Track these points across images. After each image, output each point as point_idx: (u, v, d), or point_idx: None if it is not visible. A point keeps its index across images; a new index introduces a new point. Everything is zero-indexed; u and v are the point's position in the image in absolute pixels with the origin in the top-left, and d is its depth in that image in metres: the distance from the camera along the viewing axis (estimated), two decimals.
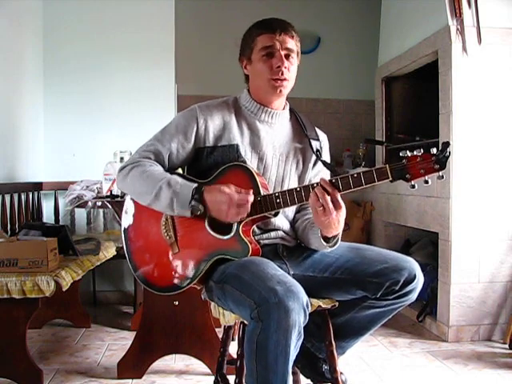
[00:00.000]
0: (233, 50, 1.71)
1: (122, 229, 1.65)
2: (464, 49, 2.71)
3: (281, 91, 1.58)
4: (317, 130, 1.74)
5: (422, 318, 3.05)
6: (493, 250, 2.78)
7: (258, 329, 1.28)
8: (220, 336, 1.83)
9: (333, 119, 4.40)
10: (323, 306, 1.54)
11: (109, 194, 2.75)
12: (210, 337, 2.25)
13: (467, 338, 2.78)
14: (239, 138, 1.59)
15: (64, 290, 1.98)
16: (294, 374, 1.72)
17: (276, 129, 1.65)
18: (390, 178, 1.36)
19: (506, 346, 2.67)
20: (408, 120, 3.57)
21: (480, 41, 2.71)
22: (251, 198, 1.44)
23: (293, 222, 1.68)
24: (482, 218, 2.76)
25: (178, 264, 1.54)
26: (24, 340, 2.01)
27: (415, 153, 1.33)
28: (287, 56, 1.57)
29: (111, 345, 2.69)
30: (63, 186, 3.22)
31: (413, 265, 1.51)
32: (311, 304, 1.49)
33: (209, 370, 2.25)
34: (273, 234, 1.61)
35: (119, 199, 2.61)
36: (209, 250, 1.50)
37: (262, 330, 1.27)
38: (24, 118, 3.22)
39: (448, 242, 2.77)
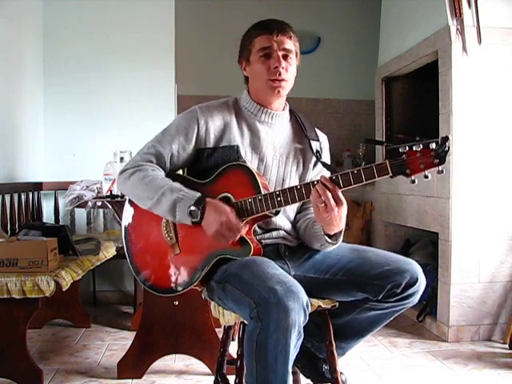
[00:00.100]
0: (233, 50, 1.71)
1: (123, 230, 1.65)
2: (464, 49, 2.71)
3: (279, 92, 1.58)
4: (317, 130, 1.74)
5: (422, 318, 3.05)
6: (493, 250, 2.78)
7: (257, 328, 1.28)
8: (220, 336, 1.83)
9: (333, 119, 4.40)
10: (323, 306, 1.54)
11: (109, 193, 2.75)
12: (209, 337, 2.25)
13: (467, 337, 2.78)
14: (239, 139, 1.59)
15: (64, 289, 1.98)
16: (293, 373, 1.72)
17: (276, 130, 1.65)
18: (390, 174, 1.36)
19: (506, 345, 2.68)
20: (408, 120, 3.57)
21: (480, 41, 2.71)
22: (243, 231, 1.45)
23: (294, 222, 1.68)
24: (481, 218, 2.76)
25: (179, 265, 1.54)
26: (24, 340, 2.01)
27: (415, 148, 1.33)
28: (285, 56, 1.57)
29: (111, 345, 2.69)
30: (63, 186, 3.22)
31: (415, 267, 1.51)
32: (311, 304, 1.49)
33: (209, 370, 2.25)
34: (274, 233, 1.61)
35: (119, 199, 2.61)
36: (210, 251, 1.50)
37: (261, 330, 1.27)
38: (24, 118, 3.22)
39: (448, 242, 2.77)
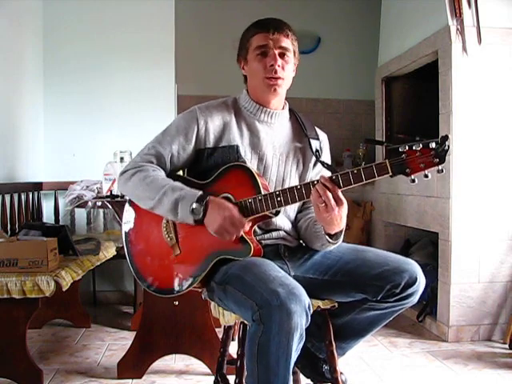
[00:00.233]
0: (232, 50, 1.71)
1: (123, 232, 1.65)
2: (464, 49, 2.71)
3: (275, 90, 1.58)
4: (317, 129, 1.74)
5: (422, 318, 3.05)
6: (493, 250, 2.78)
7: (259, 331, 1.27)
8: (220, 336, 1.83)
9: (333, 119, 4.40)
10: (322, 307, 1.54)
11: (109, 193, 2.74)
12: (209, 337, 2.25)
13: (467, 337, 2.78)
14: (239, 138, 1.59)
15: (64, 289, 1.98)
16: (294, 373, 1.71)
17: (276, 129, 1.65)
18: (390, 173, 1.35)
19: (506, 345, 2.68)
20: (408, 120, 3.57)
21: (480, 41, 2.71)
22: (247, 227, 1.45)
23: (295, 222, 1.68)
24: (482, 218, 2.76)
25: (179, 266, 1.54)
26: (24, 340, 2.01)
27: (414, 147, 1.33)
28: (282, 55, 1.57)
29: (111, 345, 2.69)
30: (63, 186, 3.22)
31: (414, 267, 1.50)
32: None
33: (209, 370, 2.25)
34: (274, 234, 1.61)
35: (119, 199, 2.61)
36: (210, 251, 1.49)
37: (263, 333, 1.27)
38: (24, 118, 3.22)
39: (448, 242, 2.77)
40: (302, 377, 1.79)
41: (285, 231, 1.63)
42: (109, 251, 2.68)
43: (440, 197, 2.84)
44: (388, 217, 3.58)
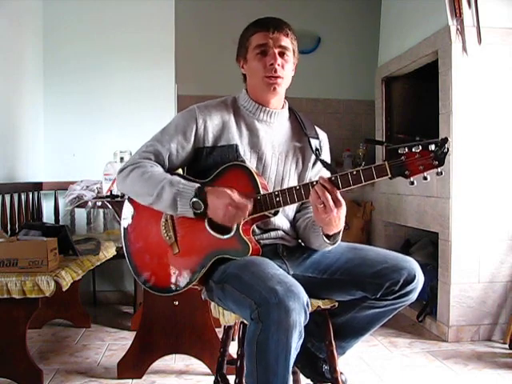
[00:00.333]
0: (232, 50, 1.71)
1: (122, 230, 1.65)
2: (464, 49, 2.71)
3: (275, 89, 1.58)
4: (316, 128, 1.74)
5: (422, 318, 3.05)
6: (493, 250, 2.78)
7: (258, 329, 1.27)
8: (220, 336, 1.83)
9: (333, 119, 4.40)
10: (322, 307, 1.54)
11: (109, 193, 2.75)
12: (209, 337, 2.25)
13: (467, 338, 2.78)
14: (238, 138, 1.59)
15: (64, 289, 1.98)
16: (293, 373, 1.72)
17: (275, 128, 1.65)
18: (389, 175, 1.36)
19: (506, 345, 2.67)
20: (408, 120, 3.57)
21: (480, 41, 2.71)
22: (250, 206, 1.44)
23: (293, 222, 1.68)
24: (482, 218, 2.76)
25: (178, 264, 1.54)
26: (24, 340, 2.01)
27: (414, 149, 1.33)
28: (281, 54, 1.57)
29: (111, 345, 2.69)
30: (63, 186, 3.22)
31: (412, 264, 1.51)
32: (311, 304, 1.49)
33: (209, 370, 2.25)
34: (273, 233, 1.61)
35: (119, 199, 2.61)
36: (209, 250, 1.50)
37: (262, 331, 1.27)
38: (24, 118, 3.22)
39: (448, 242, 2.77)
40: (301, 377, 1.79)
41: (283, 231, 1.63)
42: (109, 251, 2.68)
43: (440, 197, 2.84)
44: (388, 217, 3.58)
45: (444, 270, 2.83)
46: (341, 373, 1.63)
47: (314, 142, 1.67)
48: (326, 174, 1.64)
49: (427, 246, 3.44)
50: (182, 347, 2.26)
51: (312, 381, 1.75)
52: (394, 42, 3.45)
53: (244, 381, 1.45)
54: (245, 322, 1.43)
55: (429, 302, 3.04)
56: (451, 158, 2.69)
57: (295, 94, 1.73)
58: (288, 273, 1.55)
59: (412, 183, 1.36)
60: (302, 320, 1.28)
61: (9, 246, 2.02)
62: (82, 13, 3.47)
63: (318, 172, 1.69)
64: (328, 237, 1.51)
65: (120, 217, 1.70)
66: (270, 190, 1.54)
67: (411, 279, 1.48)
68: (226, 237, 1.48)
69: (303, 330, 1.30)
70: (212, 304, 1.61)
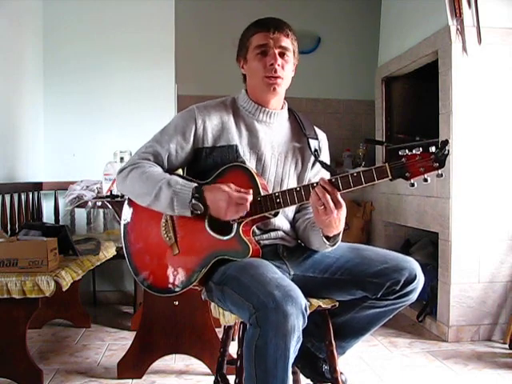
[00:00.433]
0: (232, 50, 1.71)
1: (122, 231, 1.65)
2: (464, 49, 2.71)
3: (275, 89, 1.58)
4: (316, 129, 1.74)
5: (422, 318, 3.05)
6: (493, 250, 2.78)
7: (256, 334, 1.27)
8: (220, 336, 1.83)
9: (333, 119, 4.40)
10: (323, 306, 1.54)
11: (109, 193, 2.75)
12: (209, 337, 2.25)
13: (467, 338, 2.78)
14: (237, 138, 1.59)
15: (64, 289, 1.98)
16: (293, 373, 1.72)
17: (274, 129, 1.65)
18: (390, 177, 1.36)
19: (506, 345, 2.68)
20: (408, 120, 3.57)
21: (480, 41, 2.71)
22: (250, 198, 1.44)
23: (293, 222, 1.68)
24: (482, 218, 2.76)
25: (178, 265, 1.54)
26: (24, 340, 2.01)
27: (414, 151, 1.33)
28: (281, 54, 1.57)
29: (111, 345, 2.69)
30: (63, 186, 3.22)
31: (413, 265, 1.51)
32: (311, 304, 1.50)
33: (209, 370, 2.25)
34: (273, 234, 1.61)
35: (119, 199, 2.61)
36: (209, 251, 1.50)
37: (260, 336, 1.26)
38: (24, 118, 3.22)
39: (448, 242, 2.77)
40: (301, 377, 1.79)
41: (283, 231, 1.63)
42: (109, 251, 2.68)
43: (440, 197, 2.84)
44: (388, 217, 3.58)
45: (444, 270, 2.83)
46: (341, 373, 1.63)
47: (314, 143, 1.67)
48: (326, 174, 1.64)
49: (427, 246, 3.44)
50: (182, 347, 2.26)
51: (312, 381, 1.75)
52: (394, 42, 3.45)
53: (244, 382, 1.45)
54: (245, 322, 1.43)
55: (429, 302, 3.04)
56: (451, 158, 2.69)
57: (295, 94, 1.73)
58: (288, 273, 1.56)
59: (412, 185, 1.36)
60: (300, 324, 1.27)
61: (9, 246, 2.02)
62: (82, 13, 3.47)
63: (317, 172, 1.69)
64: (328, 238, 1.51)
65: (120, 217, 1.70)
66: (270, 191, 1.54)
67: (412, 279, 1.48)
68: (226, 238, 1.48)
69: (301, 334, 1.30)
70: (212, 304, 1.61)
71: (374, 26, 3.83)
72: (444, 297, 2.83)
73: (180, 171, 1.67)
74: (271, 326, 1.24)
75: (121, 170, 1.59)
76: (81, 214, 3.44)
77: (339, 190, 1.39)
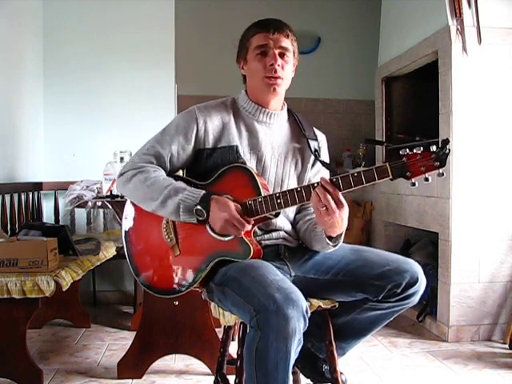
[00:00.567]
0: (232, 50, 1.71)
1: (123, 232, 1.65)
2: (464, 49, 2.71)
3: (275, 89, 1.58)
4: (315, 130, 1.74)
5: (422, 318, 3.05)
6: (493, 250, 2.78)
7: (257, 337, 1.27)
8: (220, 336, 1.83)
9: (333, 119, 4.40)
10: (323, 307, 1.54)
11: (109, 193, 2.75)
12: (209, 337, 2.25)
13: (467, 338, 2.78)
14: (238, 139, 1.59)
15: (64, 289, 1.98)
16: (293, 373, 1.72)
17: (274, 129, 1.65)
18: (391, 176, 1.35)
19: (506, 345, 2.68)
20: (408, 120, 3.57)
21: (480, 41, 2.71)
22: (248, 228, 1.44)
23: (294, 223, 1.68)
24: (482, 218, 2.76)
25: (179, 266, 1.54)
26: (24, 340, 2.01)
27: (415, 151, 1.33)
28: (281, 54, 1.57)
29: (111, 345, 2.69)
30: (63, 186, 3.22)
31: (415, 267, 1.50)
32: (311, 304, 1.50)
33: (209, 370, 2.25)
34: (274, 234, 1.60)
35: (119, 199, 2.61)
36: (210, 252, 1.49)
37: (261, 339, 1.26)
38: (24, 118, 3.22)
39: (448, 242, 2.77)
40: (302, 377, 1.79)
41: (285, 232, 1.63)
42: (109, 251, 2.68)
43: (440, 197, 2.84)
44: (388, 217, 3.58)
45: (444, 270, 2.83)
46: (341, 373, 1.63)
47: (313, 144, 1.67)
48: (325, 174, 1.64)
49: (427, 246, 3.44)
50: (182, 347, 2.26)
51: (312, 381, 1.75)
52: (394, 42, 3.45)
53: (244, 382, 1.45)
54: (245, 322, 1.43)
55: (429, 302, 3.04)
56: (451, 158, 2.69)
57: (295, 94, 1.73)
58: (290, 274, 1.55)
59: (413, 184, 1.35)
60: (301, 327, 1.27)
61: (9, 245, 2.02)
62: (82, 13, 3.47)
63: (316, 172, 1.69)
64: (330, 238, 1.51)
65: (120, 217, 1.70)
66: (270, 191, 1.54)
67: (414, 282, 1.48)
68: (227, 239, 1.47)
69: (302, 337, 1.30)
70: (212, 304, 1.60)
71: (374, 26, 3.83)
72: (444, 297, 2.83)
73: (180, 172, 1.67)
74: (272, 329, 1.24)
75: (122, 173, 1.58)
76: (81, 214, 3.44)
77: (340, 190, 1.39)
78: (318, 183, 1.41)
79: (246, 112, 1.64)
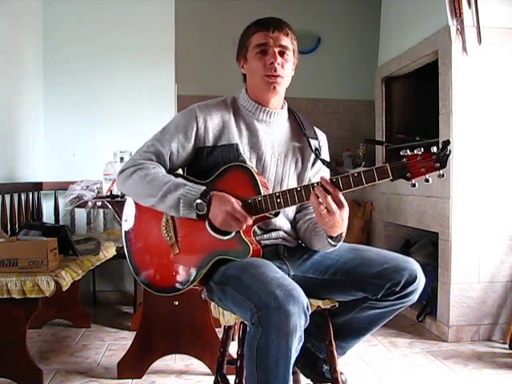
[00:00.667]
0: (232, 49, 1.71)
1: (123, 230, 1.65)
2: (464, 49, 2.71)
3: (275, 88, 1.58)
4: (315, 129, 1.74)
5: (422, 318, 3.05)
6: (493, 250, 2.78)
7: (258, 334, 1.27)
8: (220, 336, 1.83)
9: (333, 119, 4.40)
10: (322, 307, 1.54)
11: (109, 193, 2.74)
12: (209, 337, 2.25)
13: (467, 338, 2.78)
14: (238, 137, 1.59)
15: (64, 289, 1.98)
16: (294, 373, 1.72)
17: (274, 128, 1.65)
18: (391, 177, 1.35)
19: (506, 345, 2.67)
20: (408, 120, 3.57)
21: (480, 41, 2.71)
22: (249, 221, 1.44)
23: (293, 222, 1.68)
24: (482, 218, 2.76)
25: (178, 265, 1.54)
26: (24, 340, 2.01)
27: (415, 152, 1.33)
28: (281, 53, 1.57)
29: (111, 345, 2.69)
30: (63, 186, 3.22)
31: (414, 265, 1.50)
32: (311, 304, 1.49)
33: (209, 370, 2.25)
34: (274, 234, 1.60)
35: (119, 199, 2.61)
36: (210, 251, 1.50)
37: (262, 335, 1.26)
38: (24, 118, 3.22)
39: (448, 242, 2.77)
40: (302, 377, 1.79)
41: (284, 231, 1.63)
42: (109, 251, 2.68)
43: (440, 197, 2.84)
44: (388, 217, 3.58)
45: (444, 270, 2.83)
46: (341, 373, 1.63)
47: (314, 143, 1.67)
48: (325, 174, 1.64)
49: (427, 246, 3.44)
50: (182, 347, 2.26)
51: (312, 381, 1.75)
52: (394, 42, 3.45)
53: (244, 381, 1.45)
54: (245, 322, 1.43)
55: (429, 302, 3.04)
56: (451, 158, 2.68)
57: (295, 94, 1.73)
58: (288, 274, 1.55)
59: (414, 185, 1.35)
60: (302, 324, 1.27)
61: (9, 245, 2.02)
62: (82, 13, 3.47)
63: (316, 172, 1.69)
64: (331, 238, 1.51)
65: (120, 217, 1.70)
66: (270, 190, 1.54)
67: (412, 280, 1.48)
68: (226, 238, 1.48)
69: (303, 334, 1.30)
70: (212, 304, 1.61)
71: (374, 26, 3.83)
72: (444, 297, 2.83)
73: (180, 171, 1.67)
74: (273, 325, 1.24)
75: (122, 171, 1.58)
76: (81, 214, 3.44)
77: (340, 190, 1.39)
78: (317, 183, 1.40)
79: (246, 111, 1.64)
